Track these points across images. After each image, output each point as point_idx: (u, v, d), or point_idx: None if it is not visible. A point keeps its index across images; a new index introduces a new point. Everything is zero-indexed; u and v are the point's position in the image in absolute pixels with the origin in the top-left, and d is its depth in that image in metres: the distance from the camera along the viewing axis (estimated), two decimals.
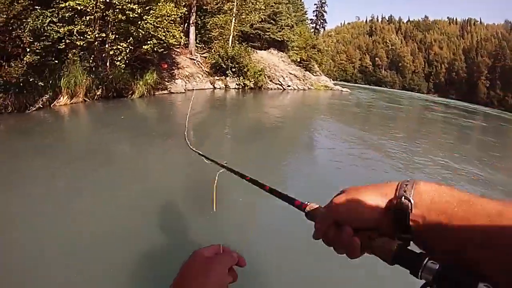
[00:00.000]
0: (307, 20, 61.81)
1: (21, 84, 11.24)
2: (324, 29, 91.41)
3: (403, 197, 0.61)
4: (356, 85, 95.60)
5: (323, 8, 77.60)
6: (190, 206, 5.99)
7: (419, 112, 34.36)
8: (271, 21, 40.47)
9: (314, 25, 75.56)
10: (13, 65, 10.94)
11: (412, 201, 0.60)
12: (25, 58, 11.41)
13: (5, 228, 4.67)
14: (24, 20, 11.59)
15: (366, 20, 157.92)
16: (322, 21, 78.65)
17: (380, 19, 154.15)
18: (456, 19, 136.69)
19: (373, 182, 0.70)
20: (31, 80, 11.58)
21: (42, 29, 12.43)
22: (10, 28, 11.15)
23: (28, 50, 11.61)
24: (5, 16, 10.73)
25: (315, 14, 77.39)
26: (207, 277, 0.71)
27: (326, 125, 15.31)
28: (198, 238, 4.79)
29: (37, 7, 12.54)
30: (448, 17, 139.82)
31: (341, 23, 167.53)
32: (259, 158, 9.62)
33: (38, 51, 11.87)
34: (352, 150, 11.39)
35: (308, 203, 0.86)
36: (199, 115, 15.33)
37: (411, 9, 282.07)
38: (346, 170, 9.23)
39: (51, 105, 13.12)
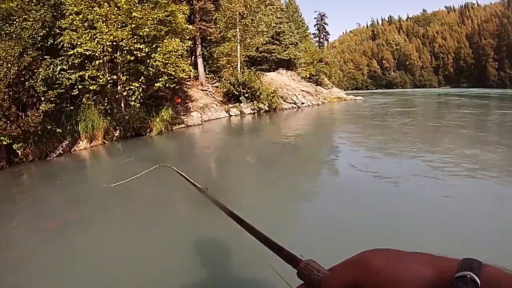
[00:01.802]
0: (310, 35, 62.19)
1: (39, 132, 11.40)
2: (328, 41, 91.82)
3: (468, 276, 0.48)
4: (368, 91, 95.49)
5: (323, 21, 78.13)
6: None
7: (442, 111, 30.97)
8: (275, 41, 40.73)
9: (317, 39, 76.00)
10: (29, 114, 11.10)
11: (478, 283, 0.48)
12: (40, 107, 11.58)
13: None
14: (35, 70, 11.76)
15: (367, 25, 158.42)
16: (324, 33, 79.11)
17: (380, 22, 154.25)
18: (453, 6, 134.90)
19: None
20: (48, 127, 11.81)
21: (54, 78, 12.60)
22: (23, 79, 11.34)
23: (42, 99, 11.78)
24: (16, 68, 10.89)
25: (316, 28, 77.97)
26: None
27: (345, 145, 14.09)
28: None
29: (46, 57, 12.74)
30: (445, 6, 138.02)
31: (343, 32, 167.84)
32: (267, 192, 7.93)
33: (52, 99, 12.06)
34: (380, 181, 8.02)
35: (302, 258, 0.69)
36: (213, 148, 15.18)
37: (409, 5, 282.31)
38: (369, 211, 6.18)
39: (71, 150, 13.29)
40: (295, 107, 34.18)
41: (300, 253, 0.70)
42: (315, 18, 79.67)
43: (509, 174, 8.19)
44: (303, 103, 35.36)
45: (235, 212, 1.00)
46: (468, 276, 0.47)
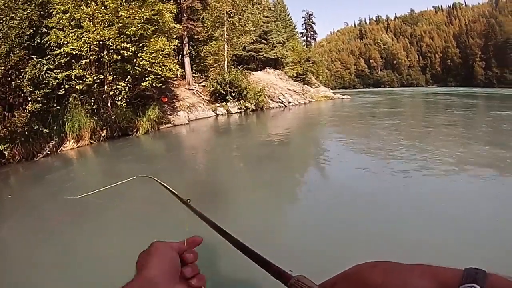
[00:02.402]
0: (297, 35, 62.13)
1: (26, 132, 11.41)
2: (316, 40, 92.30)
3: None
4: (355, 90, 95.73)
5: (311, 20, 78.50)
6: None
7: (433, 111, 28.49)
8: (263, 40, 40.81)
9: (305, 38, 76.19)
10: (16, 115, 11.10)
11: None
12: (27, 107, 11.57)
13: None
14: (22, 70, 11.73)
15: (355, 24, 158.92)
16: (312, 32, 79.48)
17: (368, 21, 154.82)
18: (441, 6, 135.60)
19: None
20: (35, 128, 11.79)
21: (40, 77, 12.60)
22: (9, 78, 11.32)
23: (29, 99, 11.77)
24: (3, 67, 10.86)
25: (304, 27, 78.23)
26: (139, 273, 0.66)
27: (332, 147, 13.43)
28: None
29: (33, 56, 12.72)
30: (433, 6, 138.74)
31: (331, 32, 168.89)
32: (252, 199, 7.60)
33: (39, 99, 12.06)
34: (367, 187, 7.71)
35: (292, 273, 0.65)
36: (200, 148, 15.40)
37: (396, 5, 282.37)
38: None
39: (58, 151, 13.30)
40: (282, 106, 34.27)
41: (292, 264, 0.67)
42: (302, 17, 79.98)
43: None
44: (290, 102, 35.46)
45: (221, 226, 0.95)
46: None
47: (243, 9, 31.23)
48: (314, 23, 78.98)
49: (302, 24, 79.24)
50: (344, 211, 6.39)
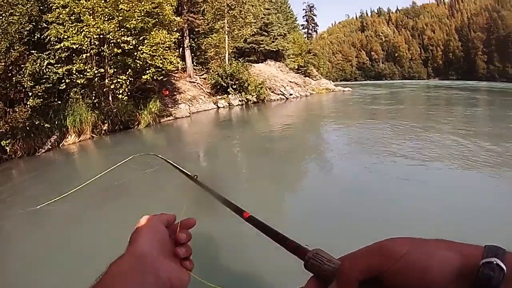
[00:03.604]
0: (298, 27, 61.90)
1: (28, 128, 11.44)
2: (317, 33, 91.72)
3: (494, 262, 0.47)
4: (356, 82, 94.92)
5: (312, 12, 78.13)
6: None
7: (437, 108, 27.16)
8: (264, 32, 40.61)
9: (306, 30, 75.90)
10: (17, 110, 11.12)
11: (505, 270, 0.47)
12: (28, 102, 11.62)
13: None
14: (22, 65, 11.74)
15: (356, 17, 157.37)
16: (313, 25, 79.16)
17: (369, 13, 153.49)
18: None
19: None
20: (36, 123, 11.83)
21: (41, 72, 12.59)
22: (10, 74, 11.31)
23: (30, 94, 11.80)
24: (3, 63, 10.87)
25: (305, 19, 77.89)
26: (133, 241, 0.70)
27: (332, 139, 13.75)
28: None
29: (33, 51, 12.71)
30: None
31: (332, 24, 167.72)
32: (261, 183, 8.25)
33: (40, 94, 12.07)
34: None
35: (308, 247, 0.64)
36: (202, 141, 15.42)
37: None
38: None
39: (60, 145, 13.36)
40: (283, 98, 34.23)
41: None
42: (303, 9, 79.50)
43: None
44: (291, 94, 35.38)
45: (231, 200, 0.94)
46: (495, 262, 0.47)
47: (244, 1, 31.05)
48: (315, 15, 78.82)
49: (303, 16, 79.09)
50: (336, 201, 6.55)
